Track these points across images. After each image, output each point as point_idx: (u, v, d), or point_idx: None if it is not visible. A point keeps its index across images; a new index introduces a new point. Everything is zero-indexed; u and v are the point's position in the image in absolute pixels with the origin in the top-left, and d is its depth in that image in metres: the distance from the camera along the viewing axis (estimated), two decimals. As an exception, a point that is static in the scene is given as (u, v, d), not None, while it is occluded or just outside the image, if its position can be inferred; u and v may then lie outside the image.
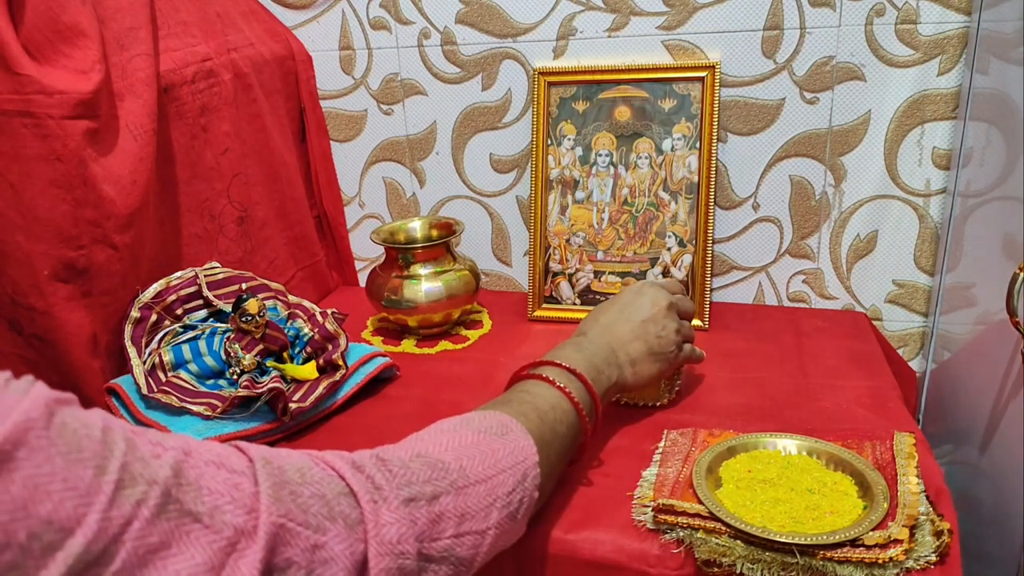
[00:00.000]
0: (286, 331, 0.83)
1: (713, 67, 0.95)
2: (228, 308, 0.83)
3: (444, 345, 0.99)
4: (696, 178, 0.98)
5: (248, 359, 0.79)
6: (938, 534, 0.57)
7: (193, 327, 0.83)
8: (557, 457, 0.60)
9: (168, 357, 0.80)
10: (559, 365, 0.66)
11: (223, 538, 0.37)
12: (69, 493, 0.33)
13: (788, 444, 0.67)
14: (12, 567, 0.31)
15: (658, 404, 0.80)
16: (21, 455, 0.32)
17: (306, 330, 0.83)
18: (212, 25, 0.94)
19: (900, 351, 1.01)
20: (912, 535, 0.56)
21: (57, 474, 0.32)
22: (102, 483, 0.34)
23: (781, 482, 0.63)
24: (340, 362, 0.81)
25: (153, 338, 0.81)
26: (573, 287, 1.04)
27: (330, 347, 0.82)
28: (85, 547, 0.32)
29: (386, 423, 0.81)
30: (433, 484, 0.49)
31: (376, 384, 0.87)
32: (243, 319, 0.79)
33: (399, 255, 0.97)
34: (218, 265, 0.89)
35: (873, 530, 0.56)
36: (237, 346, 0.79)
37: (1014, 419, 0.70)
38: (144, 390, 0.76)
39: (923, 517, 0.58)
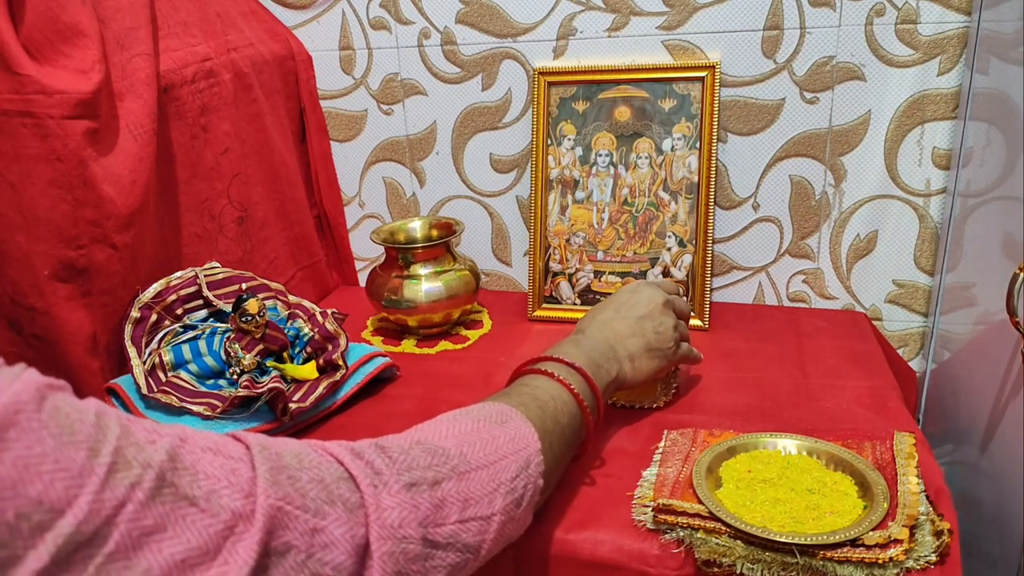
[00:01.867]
0: (286, 331, 0.83)
1: (713, 67, 0.95)
2: (228, 308, 0.83)
3: (444, 345, 0.99)
4: (696, 178, 0.98)
5: (248, 359, 0.79)
6: (938, 534, 0.57)
7: (193, 327, 0.83)
8: (560, 448, 0.60)
9: (168, 357, 0.80)
10: (559, 360, 0.66)
11: (220, 522, 0.37)
12: (60, 474, 0.32)
13: (788, 444, 0.68)
14: (0, 546, 0.31)
15: (655, 406, 0.79)
16: (11, 436, 0.32)
17: (306, 330, 0.83)
18: (212, 25, 0.94)
19: (900, 351, 1.01)
20: (912, 535, 0.56)
21: (48, 455, 0.32)
22: (95, 465, 0.34)
23: (781, 482, 0.63)
24: (340, 362, 0.81)
25: (153, 338, 0.81)
26: (573, 287, 1.04)
27: (330, 347, 0.82)
28: (76, 528, 0.32)
29: (386, 423, 0.81)
30: (434, 470, 0.48)
31: (376, 384, 0.87)
32: (243, 319, 0.79)
33: (399, 255, 0.97)
34: (218, 265, 0.89)
35: (873, 530, 0.56)
36: (237, 346, 0.79)
37: (1014, 419, 0.70)
38: (144, 390, 0.76)
39: (923, 517, 0.58)
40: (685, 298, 0.97)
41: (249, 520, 0.38)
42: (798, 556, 0.55)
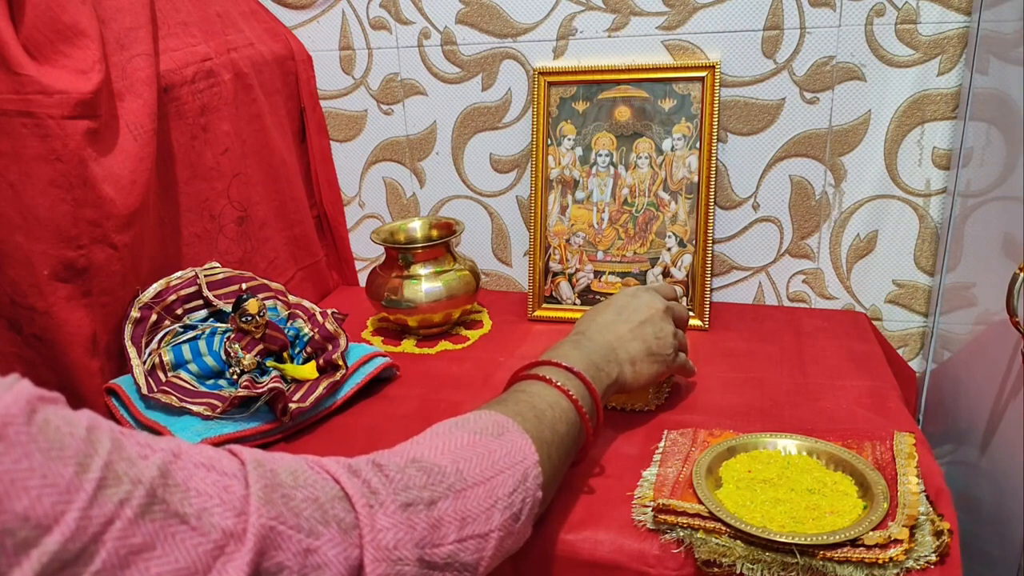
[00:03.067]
0: (286, 331, 0.83)
1: (713, 67, 0.95)
2: (228, 308, 0.83)
3: (444, 345, 0.99)
4: (696, 178, 0.98)
5: (248, 359, 0.79)
6: (938, 534, 0.57)
7: (193, 327, 0.83)
8: (559, 457, 0.60)
9: (168, 357, 0.80)
10: (557, 364, 0.65)
11: (210, 541, 0.37)
12: (48, 490, 0.32)
13: (788, 444, 0.67)
14: None
15: (645, 409, 0.79)
16: None
17: (306, 330, 0.83)
18: (212, 25, 0.94)
19: (900, 351, 1.01)
20: (912, 535, 0.56)
21: (36, 470, 0.32)
22: (83, 481, 0.33)
23: (781, 482, 0.63)
24: (340, 362, 0.81)
25: (153, 338, 0.81)
26: (573, 287, 1.04)
27: (330, 347, 0.82)
28: (62, 545, 0.32)
29: (386, 423, 0.81)
30: (430, 489, 0.48)
31: (376, 384, 0.87)
32: (243, 319, 0.79)
33: (399, 255, 0.97)
34: (218, 265, 0.89)
35: (873, 530, 0.56)
36: (237, 346, 0.79)
37: (1014, 419, 0.70)
38: (144, 390, 0.76)
39: (923, 517, 0.58)
40: (684, 302, 0.97)
41: (240, 539, 0.38)
42: (798, 556, 0.55)
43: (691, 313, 0.98)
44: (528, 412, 0.59)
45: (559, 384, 0.63)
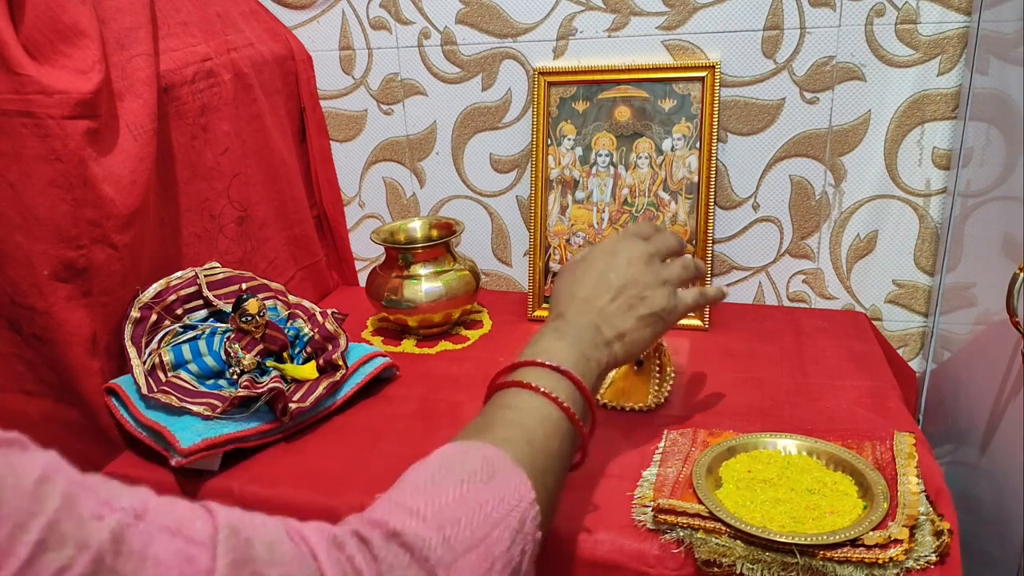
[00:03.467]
0: (286, 331, 0.83)
1: (713, 67, 0.95)
2: (228, 308, 0.83)
3: (444, 345, 0.99)
4: (696, 178, 0.98)
5: (248, 359, 0.79)
6: (938, 534, 0.57)
7: (193, 327, 0.83)
8: (556, 480, 0.54)
9: (168, 357, 0.80)
10: (542, 365, 0.58)
11: None
12: None
13: (788, 444, 0.68)
14: None
15: (645, 409, 0.79)
16: None
17: (306, 330, 0.83)
18: (212, 25, 0.94)
19: (900, 351, 1.01)
20: (912, 535, 0.56)
21: None
22: (16, 544, 0.29)
23: (781, 482, 0.63)
24: (340, 362, 0.81)
25: (153, 338, 0.81)
26: (573, 287, 1.04)
27: (330, 347, 0.82)
28: None
29: (386, 423, 0.81)
30: (416, 568, 0.42)
31: (376, 384, 0.87)
32: (243, 319, 0.79)
33: (399, 255, 0.97)
34: (218, 265, 0.89)
35: (873, 530, 0.56)
36: (237, 346, 0.79)
37: (1014, 419, 0.70)
38: (144, 390, 0.76)
39: (923, 517, 0.58)
40: (669, 230, 0.84)
41: None
42: (798, 556, 0.55)
43: (687, 245, 0.91)
44: (518, 436, 0.52)
45: (546, 391, 0.56)
